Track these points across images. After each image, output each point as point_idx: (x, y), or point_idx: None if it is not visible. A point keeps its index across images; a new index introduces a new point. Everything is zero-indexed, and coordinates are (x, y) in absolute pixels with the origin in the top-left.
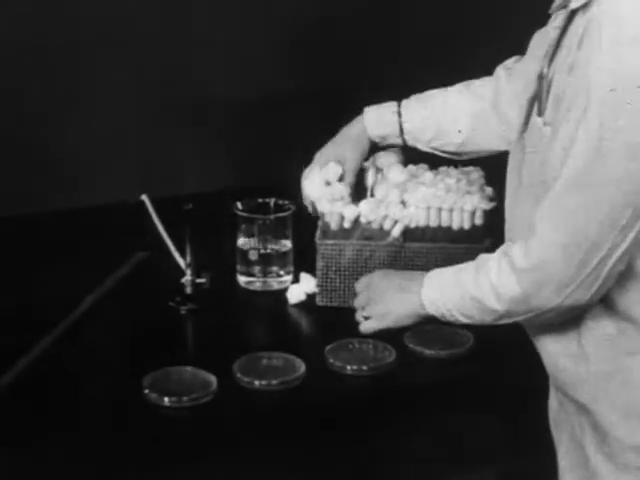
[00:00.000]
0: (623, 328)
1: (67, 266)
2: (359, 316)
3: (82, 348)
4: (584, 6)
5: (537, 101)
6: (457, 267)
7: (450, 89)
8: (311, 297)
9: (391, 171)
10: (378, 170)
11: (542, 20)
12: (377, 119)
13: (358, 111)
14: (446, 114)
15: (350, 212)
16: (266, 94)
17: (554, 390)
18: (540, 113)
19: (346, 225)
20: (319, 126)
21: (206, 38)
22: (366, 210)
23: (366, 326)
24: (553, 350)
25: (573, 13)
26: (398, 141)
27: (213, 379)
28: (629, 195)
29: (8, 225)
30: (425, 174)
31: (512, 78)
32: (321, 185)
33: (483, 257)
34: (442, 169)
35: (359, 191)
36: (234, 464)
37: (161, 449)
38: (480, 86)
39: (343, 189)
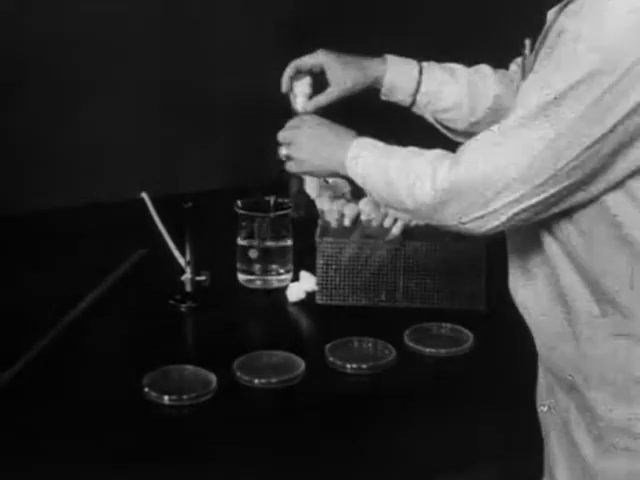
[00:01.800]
0: (606, 310)
1: (67, 264)
2: (281, 152)
3: (82, 346)
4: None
5: (521, 73)
6: (389, 148)
7: (475, 68)
8: (311, 295)
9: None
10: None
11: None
12: (397, 67)
13: (358, 111)
14: (468, 89)
15: (350, 210)
16: (266, 94)
17: (543, 372)
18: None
19: (346, 223)
20: None
21: (206, 38)
22: (366, 208)
23: (288, 165)
24: (544, 329)
25: (565, 5)
26: (407, 100)
27: (213, 377)
28: (550, 157)
29: (8, 224)
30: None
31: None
32: (321, 183)
33: (415, 151)
34: None
35: (359, 189)
36: (234, 462)
37: (161, 447)
38: (502, 74)
39: (343, 187)
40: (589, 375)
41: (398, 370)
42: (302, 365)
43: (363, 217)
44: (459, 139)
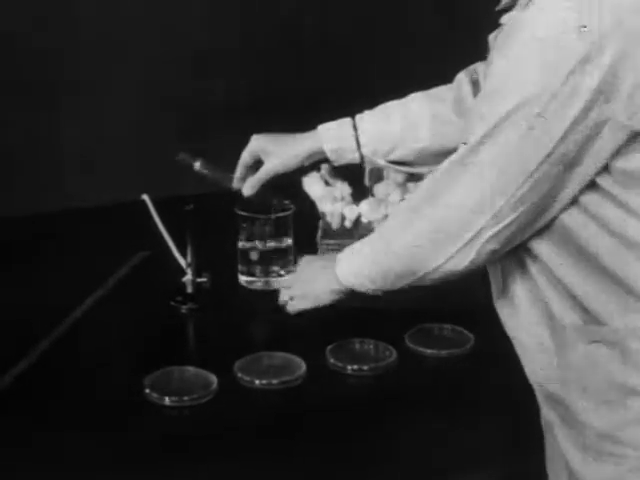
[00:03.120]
0: (587, 319)
1: (68, 266)
2: (284, 297)
3: (83, 348)
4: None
5: None
6: (364, 238)
7: (406, 98)
8: None
9: (391, 171)
10: (378, 170)
11: None
12: (332, 134)
13: (358, 111)
14: (404, 122)
15: (351, 212)
16: (266, 94)
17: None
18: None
19: (347, 225)
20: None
21: (206, 38)
22: (367, 210)
23: (290, 307)
24: (528, 344)
25: None
26: (355, 157)
27: (214, 379)
28: (500, 183)
29: (8, 225)
30: (426, 174)
31: (478, 79)
32: (322, 185)
33: (384, 222)
34: None
35: (360, 191)
36: (234, 464)
37: (162, 448)
38: (439, 92)
39: (344, 189)
40: (571, 384)
41: (399, 371)
42: (303, 366)
43: (364, 219)
44: (419, 170)
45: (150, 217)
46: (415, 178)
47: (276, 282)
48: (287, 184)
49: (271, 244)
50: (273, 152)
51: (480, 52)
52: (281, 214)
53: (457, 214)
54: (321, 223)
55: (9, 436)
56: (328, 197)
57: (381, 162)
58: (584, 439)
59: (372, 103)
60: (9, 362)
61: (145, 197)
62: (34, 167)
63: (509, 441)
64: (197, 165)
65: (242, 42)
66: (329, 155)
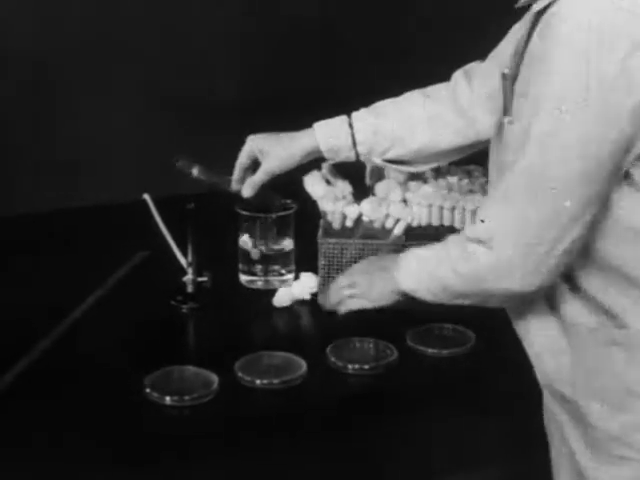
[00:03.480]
0: (602, 321)
1: (69, 265)
2: (338, 294)
3: (84, 347)
4: (547, 7)
5: (504, 101)
6: (428, 247)
7: (403, 96)
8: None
9: (392, 170)
10: (379, 169)
11: None
12: (328, 132)
13: (355, 110)
14: (400, 120)
15: (352, 211)
16: (267, 95)
17: (550, 400)
18: (505, 112)
19: (348, 224)
20: None
21: (206, 38)
22: (368, 209)
23: (347, 305)
24: (539, 345)
25: (538, 16)
26: (350, 155)
27: (214, 378)
28: (571, 188)
29: (8, 225)
30: (427, 173)
31: (474, 78)
32: (323, 184)
33: (450, 237)
34: (444, 168)
35: (361, 190)
36: (235, 463)
37: (162, 448)
38: (435, 90)
39: (345, 188)
40: (582, 386)
41: (400, 371)
42: (304, 366)
43: (365, 218)
44: (416, 169)
45: (151, 216)
46: (416, 177)
47: (320, 281)
48: (288, 183)
49: (272, 243)
50: (270, 152)
51: (481, 52)
52: (282, 213)
53: (530, 235)
54: (322, 222)
55: (9, 436)
56: (329, 196)
57: (377, 161)
58: (593, 440)
59: (370, 102)
60: (9, 362)
61: (146, 196)
62: (34, 167)
63: (509, 441)
64: (195, 171)
65: (242, 42)
66: (325, 153)
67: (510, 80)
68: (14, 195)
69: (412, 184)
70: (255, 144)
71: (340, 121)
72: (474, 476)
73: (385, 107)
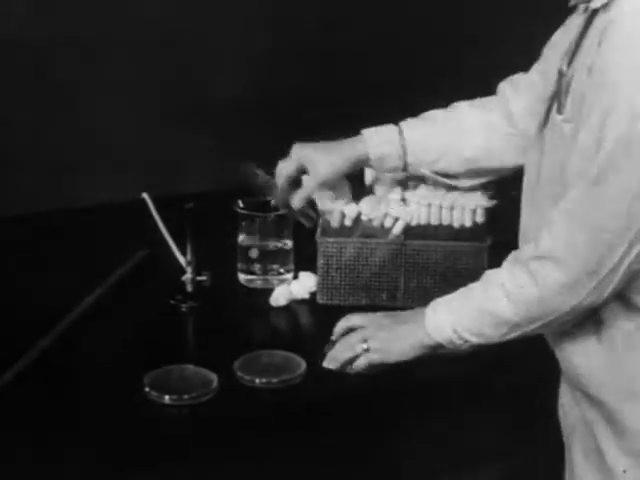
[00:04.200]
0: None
1: (68, 265)
2: (361, 347)
3: (83, 347)
4: (604, 6)
5: (557, 98)
6: (462, 289)
7: (452, 106)
8: (310, 295)
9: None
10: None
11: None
12: (378, 140)
13: (357, 111)
14: (450, 130)
15: (351, 210)
16: (266, 94)
17: (567, 388)
18: (560, 111)
19: (347, 223)
20: (319, 126)
21: (206, 38)
22: (367, 208)
23: (363, 360)
24: (570, 348)
25: (594, 13)
26: (398, 164)
27: (214, 377)
28: (629, 206)
29: (8, 225)
30: (426, 172)
31: (519, 89)
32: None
33: (489, 272)
34: None
35: (360, 189)
36: (235, 462)
37: (162, 447)
38: (484, 101)
39: (344, 187)
40: (618, 389)
41: (398, 370)
42: (303, 365)
43: (364, 217)
44: (459, 184)
45: (150, 216)
46: (417, 179)
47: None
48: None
49: (271, 242)
50: (320, 161)
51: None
52: (281, 212)
53: (598, 241)
54: (321, 221)
55: (8, 435)
56: (328, 195)
57: (425, 172)
58: (628, 444)
59: (371, 102)
60: (9, 362)
61: (145, 196)
62: (34, 166)
63: (510, 441)
64: (259, 174)
65: (243, 41)
66: (373, 162)
67: (567, 79)
68: (14, 195)
69: (411, 184)
70: (304, 152)
71: (389, 129)
72: (473, 476)
73: (435, 117)
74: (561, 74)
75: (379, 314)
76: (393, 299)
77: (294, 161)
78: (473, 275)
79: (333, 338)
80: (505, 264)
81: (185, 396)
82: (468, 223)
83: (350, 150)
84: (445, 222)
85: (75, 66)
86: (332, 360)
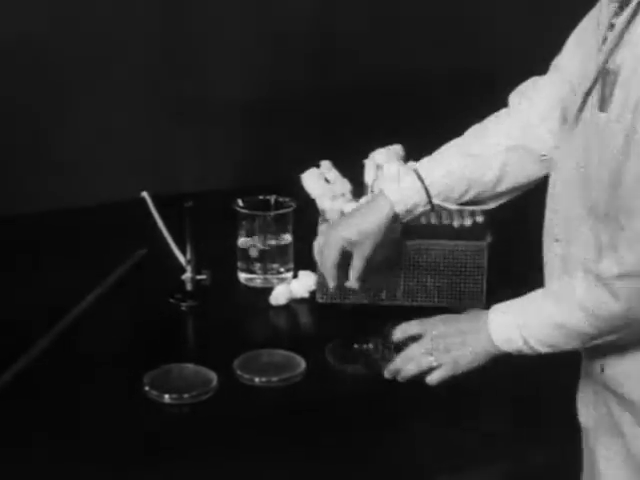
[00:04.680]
0: None
1: (68, 264)
2: (428, 361)
3: (83, 345)
4: None
5: (598, 96)
6: (525, 299)
7: (466, 135)
8: (310, 294)
9: (391, 168)
10: (378, 167)
11: None
12: (401, 195)
13: (358, 110)
14: (471, 161)
15: (350, 208)
16: (266, 94)
17: (591, 389)
18: (603, 108)
19: None
20: (319, 126)
21: (206, 38)
22: None
23: (437, 375)
24: (606, 349)
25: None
26: (426, 208)
27: (213, 376)
28: None
29: (7, 224)
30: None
31: (536, 93)
32: (321, 182)
33: (562, 284)
34: None
35: (359, 188)
36: (234, 461)
37: (161, 446)
38: (497, 119)
39: (344, 186)
40: None
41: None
42: (302, 364)
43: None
44: (490, 206)
45: (150, 214)
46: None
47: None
48: (286, 181)
49: (271, 241)
50: (359, 240)
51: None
52: (281, 211)
53: None
54: (321, 220)
55: (8, 435)
56: (328, 194)
57: (452, 207)
58: None
59: (372, 103)
60: (9, 361)
61: (145, 194)
62: (33, 166)
63: (509, 440)
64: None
65: (243, 41)
66: (402, 215)
67: (609, 74)
68: (14, 195)
69: None
70: (340, 236)
71: (410, 180)
72: (474, 476)
73: (449, 152)
74: (605, 71)
75: (437, 320)
76: (393, 298)
77: (336, 248)
78: (472, 274)
79: (393, 342)
80: (580, 280)
81: (185, 395)
82: (468, 222)
83: (381, 213)
84: (444, 221)
85: (75, 66)
86: (395, 372)
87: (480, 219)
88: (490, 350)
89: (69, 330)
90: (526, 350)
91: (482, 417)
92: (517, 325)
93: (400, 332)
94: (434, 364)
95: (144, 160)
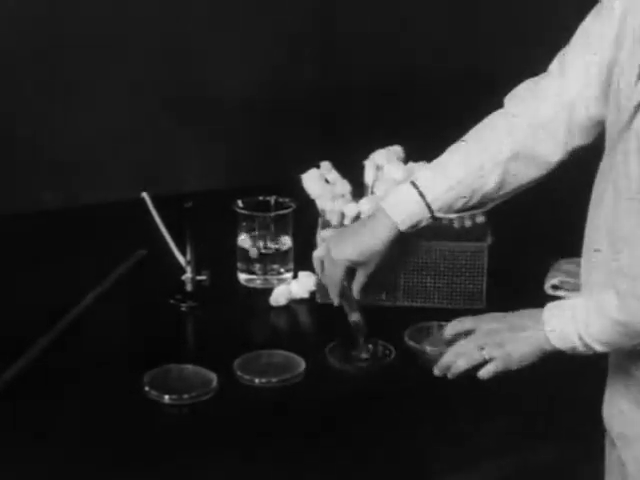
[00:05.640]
0: None
1: (67, 264)
2: (480, 355)
3: (82, 346)
4: None
5: None
6: (582, 296)
7: (464, 144)
8: (309, 294)
9: (391, 169)
10: (378, 168)
11: None
12: (402, 213)
13: (358, 111)
14: (472, 173)
15: (350, 210)
16: (266, 94)
17: (624, 394)
18: None
19: (347, 222)
20: (319, 126)
21: (206, 38)
22: (366, 208)
23: (489, 369)
24: (629, 355)
25: None
26: (429, 221)
27: (213, 376)
28: None
29: (8, 224)
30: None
31: (535, 97)
32: (321, 182)
33: (621, 280)
34: None
35: (359, 189)
36: (234, 462)
37: (161, 446)
38: (495, 127)
39: (344, 186)
40: None
41: (398, 369)
42: (302, 364)
43: (363, 216)
44: (488, 208)
45: (149, 215)
46: None
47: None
48: (286, 181)
49: (270, 242)
50: (364, 261)
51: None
52: (281, 212)
53: None
54: (320, 221)
55: (8, 435)
56: (328, 195)
57: (452, 216)
58: None
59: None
60: (8, 362)
61: (144, 195)
62: (33, 165)
63: (509, 440)
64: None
65: (243, 41)
66: (405, 230)
67: None
68: (14, 194)
69: None
70: (345, 257)
71: (413, 199)
72: (473, 476)
73: (450, 163)
74: None
75: (488, 317)
76: (392, 298)
77: (339, 269)
78: (472, 275)
79: (445, 338)
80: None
81: (185, 395)
82: (468, 223)
83: (383, 236)
84: (445, 222)
85: (75, 66)
86: (445, 368)
87: (480, 220)
88: (544, 347)
89: (69, 330)
90: (581, 348)
91: (484, 417)
92: (574, 321)
93: (451, 328)
94: (486, 357)
95: (144, 160)
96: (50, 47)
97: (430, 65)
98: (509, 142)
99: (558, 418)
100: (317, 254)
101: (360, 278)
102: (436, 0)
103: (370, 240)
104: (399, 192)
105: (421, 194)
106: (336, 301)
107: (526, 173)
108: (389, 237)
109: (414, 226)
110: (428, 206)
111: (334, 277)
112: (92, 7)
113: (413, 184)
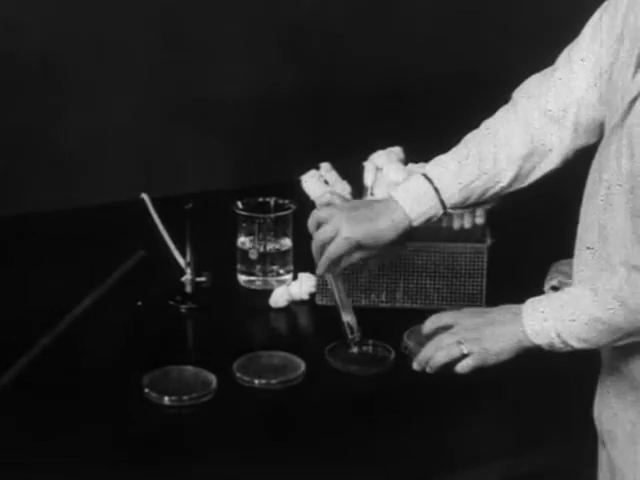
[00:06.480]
0: None
1: (67, 265)
2: (458, 349)
3: (82, 347)
4: None
5: None
6: (561, 292)
7: (477, 141)
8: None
9: (391, 170)
10: (377, 169)
11: None
12: (415, 204)
13: (357, 112)
14: (485, 172)
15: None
16: (266, 94)
17: (615, 392)
18: None
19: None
20: (319, 126)
21: (206, 38)
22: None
23: (466, 364)
24: (620, 355)
25: None
26: (439, 215)
27: (213, 378)
28: None
29: (8, 225)
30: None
31: (532, 93)
32: (321, 183)
33: (600, 277)
34: None
35: (359, 190)
36: (234, 463)
37: (161, 448)
38: (507, 123)
39: (343, 187)
40: None
41: (398, 371)
42: (302, 366)
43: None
44: (496, 202)
45: (149, 216)
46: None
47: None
48: (286, 183)
49: (270, 244)
50: (370, 245)
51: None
52: (280, 213)
53: None
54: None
55: (8, 435)
56: (327, 196)
57: (460, 211)
58: None
59: (373, 102)
60: (8, 362)
61: (144, 196)
62: (32, 166)
63: (509, 440)
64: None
65: (244, 41)
66: (415, 220)
67: None
68: (14, 195)
69: None
70: (355, 238)
71: (425, 193)
72: (473, 476)
73: (465, 161)
74: None
75: (467, 312)
76: (392, 300)
77: (346, 245)
78: (471, 276)
79: (424, 334)
80: (621, 271)
81: (184, 397)
82: (467, 224)
83: (396, 227)
84: (444, 223)
85: (76, 66)
86: (423, 363)
87: (480, 221)
88: (522, 342)
89: (69, 330)
90: (558, 344)
91: (481, 417)
92: (552, 317)
93: (430, 323)
94: (465, 351)
95: (144, 161)
96: (51, 47)
97: (430, 65)
98: (522, 139)
99: (555, 421)
100: (316, 213)
101: (353, 259)
102: (436, 0)
103: (385, 228)
104: (414, 187)
105: (436, 190)
106: (320, 271)
107: (539, 169)
108: (404, 228)
109: (426, 222)
110: (442, 203)
111: (335, 251)
112: (92, 7)
113: (428, 180)
